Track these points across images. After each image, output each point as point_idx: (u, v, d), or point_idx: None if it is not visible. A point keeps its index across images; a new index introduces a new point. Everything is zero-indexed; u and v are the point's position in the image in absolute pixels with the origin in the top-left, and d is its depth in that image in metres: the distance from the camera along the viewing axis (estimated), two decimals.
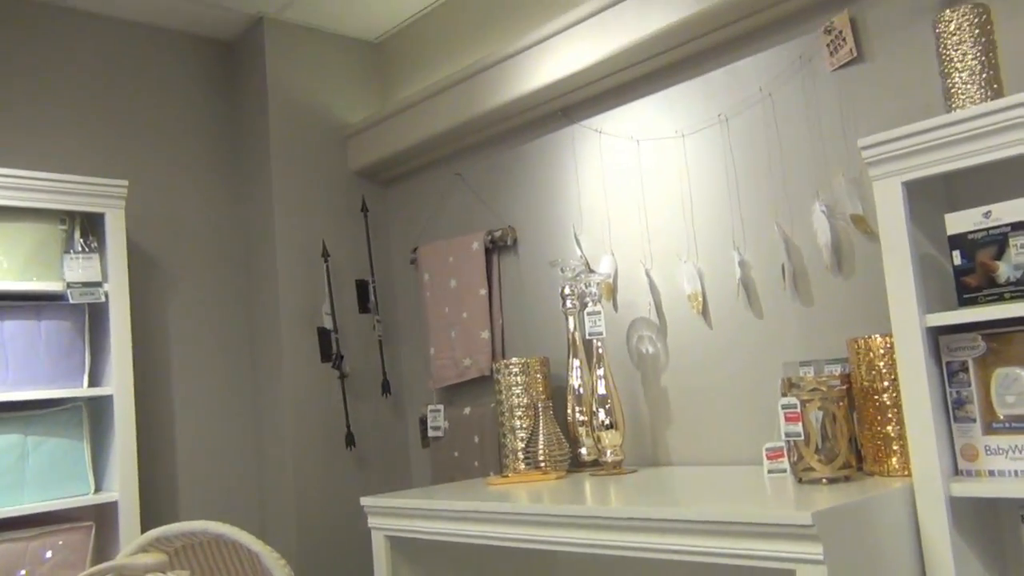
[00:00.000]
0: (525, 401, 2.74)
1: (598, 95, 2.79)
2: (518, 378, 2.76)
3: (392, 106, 3.36)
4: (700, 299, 2.49)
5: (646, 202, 2.65)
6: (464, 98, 3.06)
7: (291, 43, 3.44)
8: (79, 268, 2.73)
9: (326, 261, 3.34)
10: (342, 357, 3.31)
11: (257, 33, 3.41)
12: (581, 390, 2.65)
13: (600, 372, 2.54)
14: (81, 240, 2.78)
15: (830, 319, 2.23)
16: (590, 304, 2.58)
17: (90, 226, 2.83)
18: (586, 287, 2.61)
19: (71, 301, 2.70)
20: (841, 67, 2.21)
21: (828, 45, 2.23)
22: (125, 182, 2.84)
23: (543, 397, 2.75)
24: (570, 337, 2.69)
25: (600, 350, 2.55)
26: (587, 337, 2.56)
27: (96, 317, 2.83)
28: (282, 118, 3.36)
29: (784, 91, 2.33)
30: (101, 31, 3.24)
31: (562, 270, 2.73)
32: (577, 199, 2.86)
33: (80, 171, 3.04)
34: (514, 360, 2.76)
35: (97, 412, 2.83)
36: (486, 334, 3.07)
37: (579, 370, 2.67)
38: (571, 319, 2.70)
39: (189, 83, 3.45)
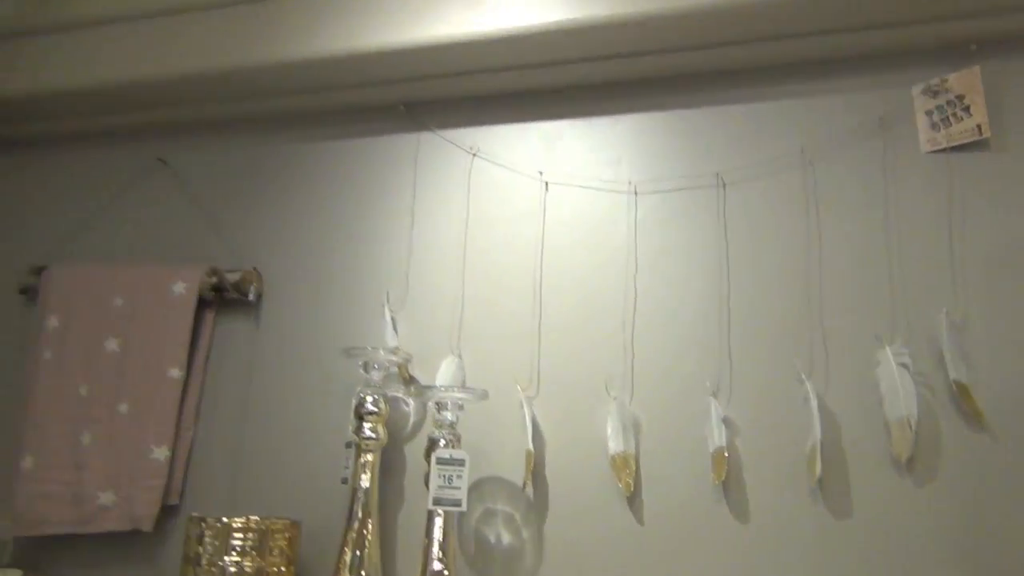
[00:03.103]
0: None
1: (479, 96, 1.68)
2: (233, 557, 1.37)
3: (56, 13, 1.87)
4: (631, 468, 1.41)
5: (544, 284, 1.56)
6: (202, 33, 1.74)
7: None
8: None
9: None
10: None
11: None
12: None
13: (437, 572, 1.30)
14: None
15: (882, 549, 1.30)
16: (442, 444, 1.36)
17: None
18: (438, 409, 1.38)
19: None
20: (950, 149, 1.40)
21: (931, 112, 1.42)
22: None
23: None
24: (360, 494, 1.42)
25: (448, 534, 1.33)
26: (430, 505, 1.32)
27: None
28: None
29: (837, 163, 1.46)
30: None
31: (365, 368, 1.48)
32: (406, 251, 1.65)
33: None
34: (227, 521, 1.38)
35: None
36: (162, 453, 1.62)
37: (371, 562, 1.39)
38: (368, 461, 1.43)
39: None
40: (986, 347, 1.32)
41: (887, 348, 1.34)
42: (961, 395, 1.29)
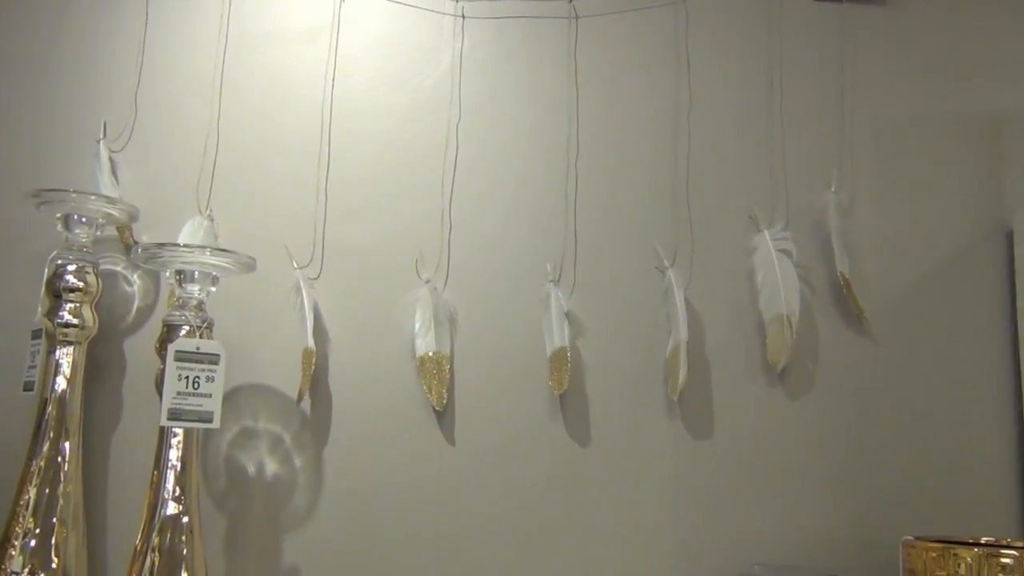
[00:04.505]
0: None
1: None
2: None
3: None
4: (444, 375, 1.08)
5: (333, 128, 1.15)
6: None
7: None
8: None
9: None
10: None
11: None
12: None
13: (173, 517, 0.90)
14: None
15: (748, 473, 1.07)
16: (184, 332, 0.93)
17: None
18: (180, 282, 0.94)
19: None
20: None
21: None
22: None
23: None
24: (52, 406, 0.97)
25: (189, 462, 0.92)
26: (164, 421, 0.89)
27: None
28: None
29: (715, 4, 1.18)
30: None
31: (66, 223, 1.01)
32: (134, 66, 1.16)
33: None
34: None
35: None
36: None
37: (67, 504, 0.95)
38: (67, 358, 0.98)
39: None
40: (872, 236, 1.12)
41: (765, 232, 1.10)
42: (848, 291, 1.08)
